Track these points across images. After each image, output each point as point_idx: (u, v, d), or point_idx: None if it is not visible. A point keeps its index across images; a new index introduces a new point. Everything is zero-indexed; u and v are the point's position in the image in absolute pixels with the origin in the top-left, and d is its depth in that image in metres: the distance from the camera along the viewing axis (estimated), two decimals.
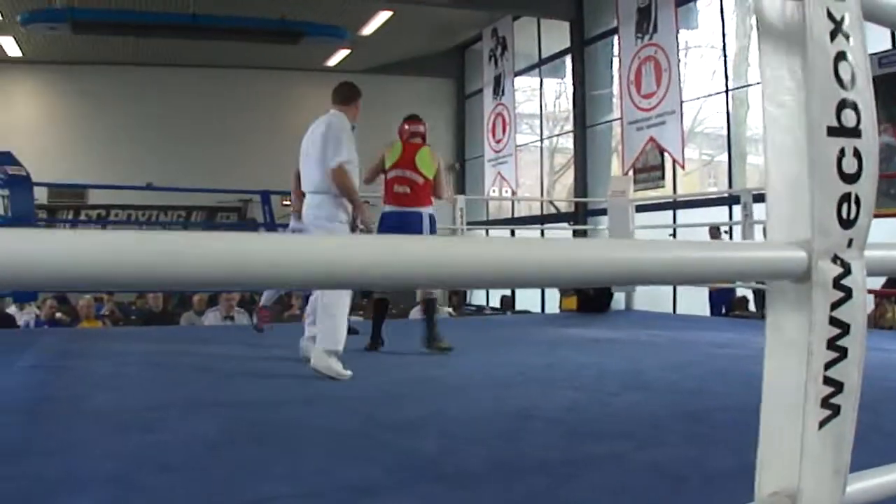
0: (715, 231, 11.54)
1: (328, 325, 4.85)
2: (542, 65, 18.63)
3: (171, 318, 11.17)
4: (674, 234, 12.82)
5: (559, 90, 19.19)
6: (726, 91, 13.44)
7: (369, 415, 2.98)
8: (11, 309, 10.47)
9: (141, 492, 2.65)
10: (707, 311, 11.90)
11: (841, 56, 1.24)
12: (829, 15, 1.24)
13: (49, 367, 5.62)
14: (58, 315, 10.76)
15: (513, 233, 18.08)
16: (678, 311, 12.65)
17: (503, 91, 19.08)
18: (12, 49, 18.87)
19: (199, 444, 3.27)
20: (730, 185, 13.51)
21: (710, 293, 11.85)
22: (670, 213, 14.04)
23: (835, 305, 1.22)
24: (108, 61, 20.12)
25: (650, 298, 10.99)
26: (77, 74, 20.13)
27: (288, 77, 20.53)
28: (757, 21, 1.28)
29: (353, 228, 5.36)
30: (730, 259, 1.27)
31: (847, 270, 1.25)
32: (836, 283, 1.22)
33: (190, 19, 15.85)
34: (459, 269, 1.04)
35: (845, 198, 1.23)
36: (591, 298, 9.50)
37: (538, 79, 19.02)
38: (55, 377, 5.24)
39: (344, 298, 5.05)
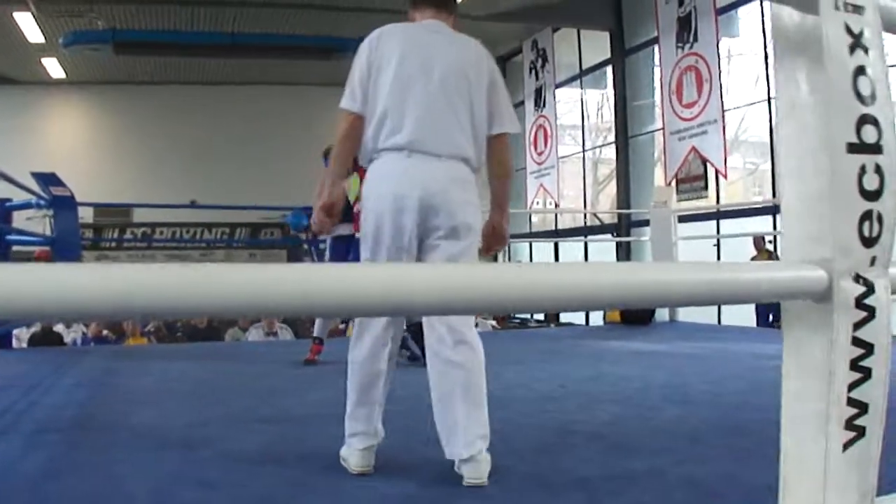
0: (759, 241, 11.42)
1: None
2: (584, 76, 18.58)
3: (215, 335, 11.29)
4: (717, 245, 12.72)
5: (601, 101, 19.13)
6: (769, 99, 13.29)
7: (409, 428, 2.99)
8: (58, 327, 10.64)
9: None
10: (753, 321, 11.75)
11: (860, 70, 1.22)
12: (848, 28, 1.22)
13: (94, 385, 5.69)
14: (104, 332, 10.91)
15: (556, 245, 18.03)
16: (723, 322, 12.51)
17: (544, 103, 19.04)
18: (56, 70, 19.27)
19: (239, 460, 3.30)
20: (773, 195, 13.36)
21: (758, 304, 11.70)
22: (713, 223, 13.92)
23: (857, 325, 1.20)
24: (151, 81, 20.48)
25: (694, 309, 10.89)
26: (120, 94, 20.49)
27: (328, 93, 20.57)
28: (773, 35, 1.26)
29: None
30: (747, 280, 1.25)
31: (870, 289, 1.23)
32: (859, 303, 1.20)
33: (229, 38, 16.04)
34: (498, 296, 1.05)
35: (867, 215, 1.21)
36: (634, 310, 9.44)
37: (579, 90, 18.96)
38: (99, 394, 5.30)
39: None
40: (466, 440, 2.87)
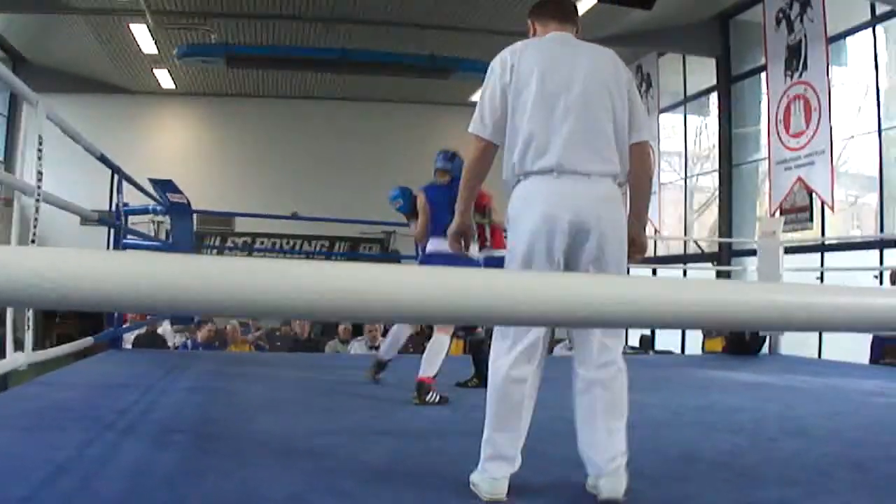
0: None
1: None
2: (687, 102, 18.40)
3: (315, 346, 11.44)
4: (821, 278, 12.48)
5: (699, 128, 18.90)
6: (879, 130, 13.02)
7: (532, 449, 3.03)
8: (161, 329, 10.91)
9: None
10: (850, 356, 11.44)
11: None
12: None
13: (207, 389, 5.85)
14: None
15: (654, 272, 17.85)
16: (823, 356, 12.26)
17: None
18: (166, 81, 19.83)
19: (367, 472, 3.37)
20: (881, 229, 13.07)
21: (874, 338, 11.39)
22: (817, 255, 13.65)
23: None
24: (256, 94, 20.93)
25: (795, 343, 10.71)
26: (226, 105, 20.97)
27: (432, 111, 20.89)
28: None
29: None
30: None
31: None
32: None
33: (340, 54, 16.27)
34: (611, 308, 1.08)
35: None
36: (743, 341, 9.33)
37: (680, 116, 18.78)
38: (215, 399, 5.45)
39: None
40: (608, 455, 2.88)
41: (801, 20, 13.66)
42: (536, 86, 2.98)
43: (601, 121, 3.01)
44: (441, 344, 5.55)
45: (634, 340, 16.31)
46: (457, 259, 5.04)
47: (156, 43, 16.94)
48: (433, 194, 6.10)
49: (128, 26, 16.26)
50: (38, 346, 4.92)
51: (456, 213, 3.21)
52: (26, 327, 4.44)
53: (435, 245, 5.74)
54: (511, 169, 3.05)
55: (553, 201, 2.93)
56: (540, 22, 3.25)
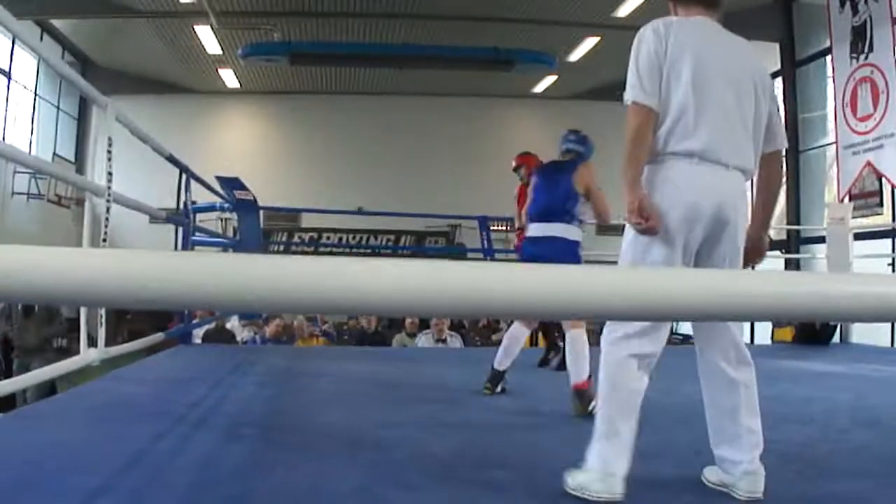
0: None
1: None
2: None
3: (382, 339, 11.52)
4: (892, 265, 12.24)
5: None
6: None
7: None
8: (230, 324, 11.06)
9: None
10: None
11: None
12: None
13: (275, 383, 5.93)
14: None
15: None
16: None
17: None
18: (231, 81, 20.07)
19: (433, 464, 3.39)
20: None
21: None
22: (888, 241, 13.38)
23: None
24: (320, 90, 21.08)
25: (866, 331, 10.52)
26: (290, 103, 21.16)
27: (495, 104, 20.90)
28: None
29: None
30: None
31: None
32: None
33: (402, 49, 16.33)
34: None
35: None
36: (813, 330, 9.19)
37: None
38: (283, 392, 5.52)
39: None
40: (750, 455, 2.87)
41: (866, 1, 13.37)
42: (693, 64, 2.83)
43: (746, 114, 2.90)
44: (582, 342, 4.85)
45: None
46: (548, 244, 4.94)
47: (220, 43, 17.17)
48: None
49: (192, 27, 16.51)
50: (110, 342, 5.03)
51: (627, 191, 2.87)
52: (99, 324, 4.54)
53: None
54: (654, 144, 2.87)
55: (697, 191, 2.82)
56: (683, 6, 3.09)
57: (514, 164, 7.62)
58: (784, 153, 3.11)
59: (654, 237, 2.83)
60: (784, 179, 2.78)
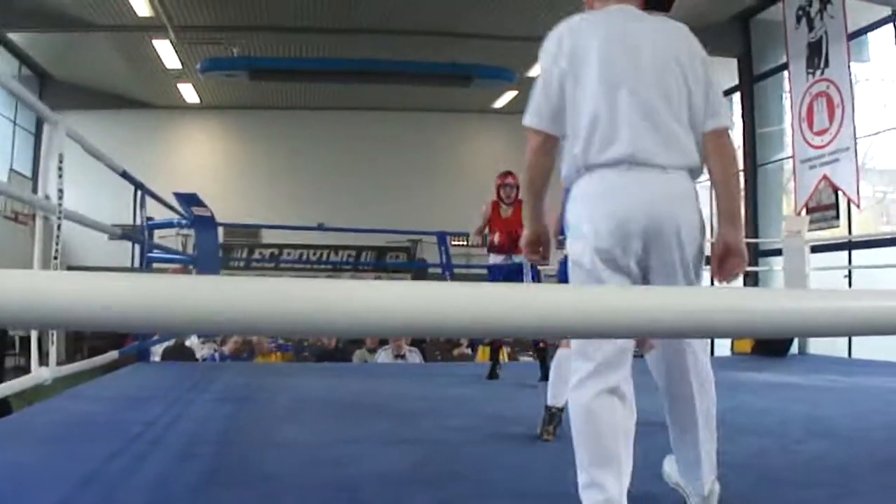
0: None
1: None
2: None
3: (342, 356, 11.47)
4: (849, 277, 12.39)
5: None
6: None
7: (556, 452, 3.02)
8: (189, 342, 10.97)
9: None
10: (881, 355, 11.30)
11: None
12: None
13: (234, 400, 5.90)
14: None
15: None
16: (853, 355, 12.14)
17: None
18: (191, 96, 19.97)
19: (390, 480, 3.38)
20: None
21: None
22: (844, 253, 13.53)
23: None
24: (280, 105, 21.05)
25: (824, 342, 10.63)
26: (250, 118, 21.12)
27: (456, 119, 20.94)
28: None
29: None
30: None
31: None
32: None
33: (362, 64, 16.35)
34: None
35: None
36: (771, 342, 9.28)
37: None
38: (241, 409, 5.50)
39: None
40: (707, 478, 2.69)
41: (822, 17, 13.56)
42: (598, 66, 2.53)
43: (675, 104, 2.55)
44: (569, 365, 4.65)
45: None
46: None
47: (179, 57, 17.06)
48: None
49: (151, 42, 16.37)
50: (68, 359, 4.98)
51: (526, 221, 2.77)
52: (51, 343, 4.48)
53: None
54: (572, 163, 2.59)
55: (624, 199, 2.49)
56: None
57: (511, 181, 7.39)
58: (727, 138, 2.69)
59: (587, 259, 2.51)
60: (739, 166, 2.41)
